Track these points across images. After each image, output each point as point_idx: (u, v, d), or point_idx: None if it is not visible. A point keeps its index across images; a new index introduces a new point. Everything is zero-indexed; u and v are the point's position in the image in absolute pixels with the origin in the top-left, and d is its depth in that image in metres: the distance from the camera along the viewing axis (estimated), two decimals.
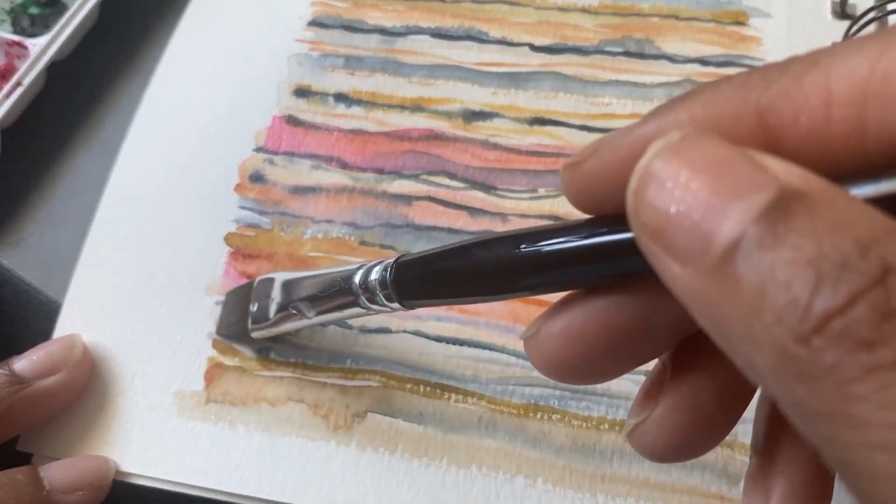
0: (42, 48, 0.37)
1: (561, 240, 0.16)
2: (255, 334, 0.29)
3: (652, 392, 0.18)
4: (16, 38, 0.37)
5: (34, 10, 0.41)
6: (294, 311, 0.27)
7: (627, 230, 0.14)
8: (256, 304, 0.28)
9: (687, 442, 0.17)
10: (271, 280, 0.28)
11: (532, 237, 0.17)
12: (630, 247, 0.14)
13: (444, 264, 0.20)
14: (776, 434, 0.17)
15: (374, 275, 0.23)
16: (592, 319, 0.17)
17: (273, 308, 0.28)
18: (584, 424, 0.28)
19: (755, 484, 0.17)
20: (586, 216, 0.16)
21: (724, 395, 0.17)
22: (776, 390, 0.12)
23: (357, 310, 0.25)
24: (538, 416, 0.28)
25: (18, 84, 0.36)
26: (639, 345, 0.17)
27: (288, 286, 0.27)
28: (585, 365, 0.17)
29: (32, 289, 0.34)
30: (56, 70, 0.37)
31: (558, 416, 0.28)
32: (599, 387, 0.29)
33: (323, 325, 0.29)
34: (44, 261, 0.34)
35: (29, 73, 0.36)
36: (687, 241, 0.12)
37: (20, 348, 0.29)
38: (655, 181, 0.13)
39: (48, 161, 0.37)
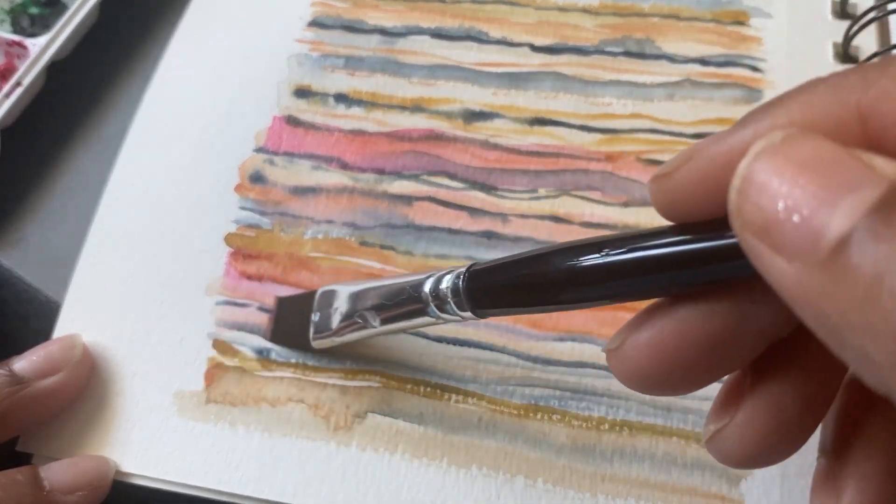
0: (42, 48, 0.37)
1: (648, 244, 0.16)
2: (316, 344, 0.29)
3: (731, 398, 0.18)
4: (15, 37, 0.37)
5: (34, 10, 0.41)
6: (359, 321, 0.27)
7: (721, 235, 0.14)
8: (318, 314, 0.28)
9: (769, 447, 0.17)
10: (334, 291, 0.28)
11: (617, 243, 0.17)
12: (725, 251, 0.14)
13: (522, 272, 0.20)
14: (849, 434, 0.17)
15: (446, 283, 0.23)
16: (681, 330, 0.16)
17: (337, 318, 0.27)
18: (585, 425, 0.28)
19: (825, 485, 0.17)
20: (656, 225, 0.16)
21: (806, 399, 0.17)
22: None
23: (425, 319, 0.25)
24: (538, 416, 0.28)
25: (18, 84, 0.36)
26: (728, 354, 0.17)
27: (353, 296, 0.27)
28: (673, 377, 0.17)
29: (32, 289, 0.34)
30: (56, 70, 0.37)
31: (558, 417, 0.28)
32: (599, 387, 0.29)
33: (388, 334, 0.29)
34: (44, 261, 0.34)
35: (29, 72, 0.36)
36: (795, 236, 0.12)
37: (20, 348, 0.29)
38: (760, 180, 0.13)
39: (48, 161, 0.37)
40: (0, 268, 0.34)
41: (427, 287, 0.24)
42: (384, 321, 0.26)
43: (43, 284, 0.34)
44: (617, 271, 0.17)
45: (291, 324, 0.30)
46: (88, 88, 0.39)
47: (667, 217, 0.17)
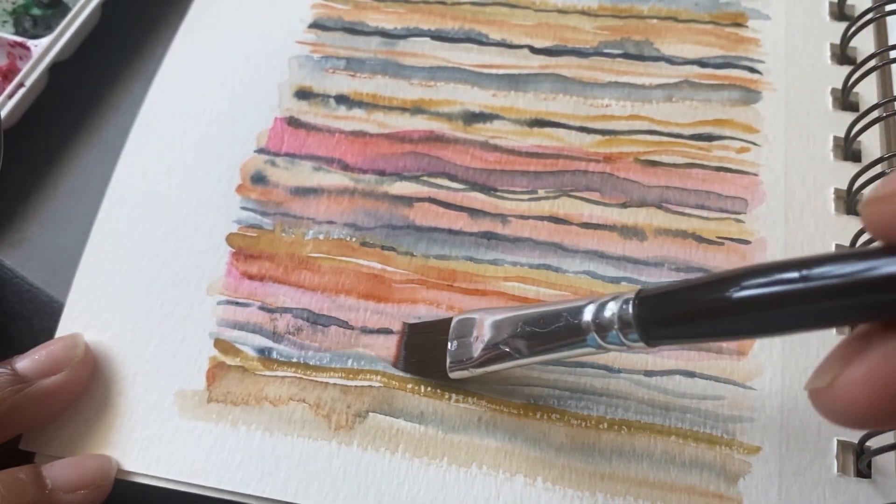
0: (44, 49, 0.37)
1: (862, 267, 0.15)
2: (455, 374, 0.28)
3: None
4: (18, 38, 0.38)
5: (36, 11, 0.41)
6: (505, 349, 0.26)
7: None
8: (455, 343, 0.27)
9: None
10: (473, 319, 0.27)
11: (818, 264, 0.16)
12: None
13: (704, 298, 0.19)
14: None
15: (610, 310, 0.22)
16: None
17: (478, 347, 0.26)
18: (583, 424, 0.28)
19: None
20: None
21: None
22: None
23: (585, 349, 0.24)
24: (538, 415, 0.29)
25: (21, 85, 0.36)
26: None
27: (497, 324, 0.26)
28: (893, 412, 0.16)
29: (35, 289, 0.34)
30: (58, 71, 0.38)
31: (557, 416, 0.28)
32: (598, 386, 0.29)
33: (538, 364, 0.27)
34: (46, 261, 0.34)
35: (31, 73, 0.36)
36: None
37: (23, 348, 0.30)
38: None
39: (51, 162, 0.37)
40: (2, 268, 0.34)
41: (587, 314, 0.23)
42: (535, 350, 0.25)
43: (45, 284, 0.34)
44: (822, 295, 0.16)
45: (424, 352, 0.29)
46: (90, 89, 0.39)
47: (885, 239, 0.16)
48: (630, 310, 0.22)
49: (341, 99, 0.36)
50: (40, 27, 0.40)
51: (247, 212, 0.33)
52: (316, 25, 0.38)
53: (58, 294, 0.33)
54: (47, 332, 0.32)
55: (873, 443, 0.26)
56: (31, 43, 0.37)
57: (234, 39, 0.38)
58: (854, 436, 0.27)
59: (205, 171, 0.34)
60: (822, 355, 0.27)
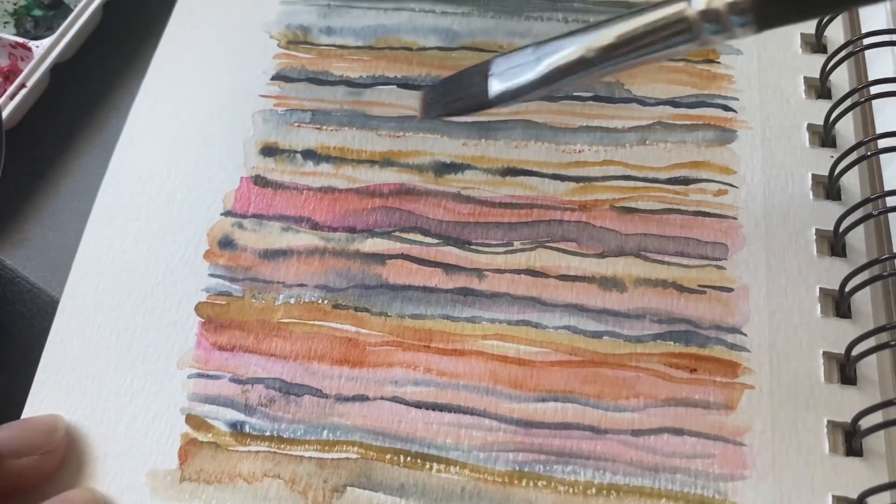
0: (45, 50, 0.38)
1: None
2: (496, 90, 0.27)
3: None
4: (19, 39, 0.39)
5: (37, 12, 0.42)
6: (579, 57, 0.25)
7: None
8: (500, 78, 0.27)
9: None
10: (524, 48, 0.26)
11: None
12: None
13: None
14: None
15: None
16: None
17: (539, 67, 0.26)
18: (571, 490, 0.27)
19: None
20: None
21: None
22: None
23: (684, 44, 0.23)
24: (523, 482, 0.28)
25: (22, 86, 0.37)
26: None
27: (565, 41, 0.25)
28: None
29: (36, 288, 0.34)
30: (59, 72, 0.38)
31: (544, 483, 0.28)
32: (585, 448, 0.28)
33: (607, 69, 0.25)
34: (47, 261, 0.35)
35: (32, 74, 0.37)
36: None
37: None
38: None
39: (52, 162, 0.38)
40: (4, 268, 0.35)
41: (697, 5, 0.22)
42: (617, 55, 0.24)
43: (46, 284, 0.34)
44: None
45: (444, 91, 0.29)
46: (91, 90, 0.39)
47: None
48: None
49: (308, 154, 0.35)
50: (41, 28, 0.42)
51: (215, 279, 0.32)
52: (279, 77, 0.37)
53: (58, 294, 0.33)
54: (47, 332, 0.32)
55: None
56: (32, 44, 0.38)
57: (196, 97, 0.37)
58: (853, 493, 0.26)
59: (171, 239, 0.33)
60: (810, 408, 0.27)
